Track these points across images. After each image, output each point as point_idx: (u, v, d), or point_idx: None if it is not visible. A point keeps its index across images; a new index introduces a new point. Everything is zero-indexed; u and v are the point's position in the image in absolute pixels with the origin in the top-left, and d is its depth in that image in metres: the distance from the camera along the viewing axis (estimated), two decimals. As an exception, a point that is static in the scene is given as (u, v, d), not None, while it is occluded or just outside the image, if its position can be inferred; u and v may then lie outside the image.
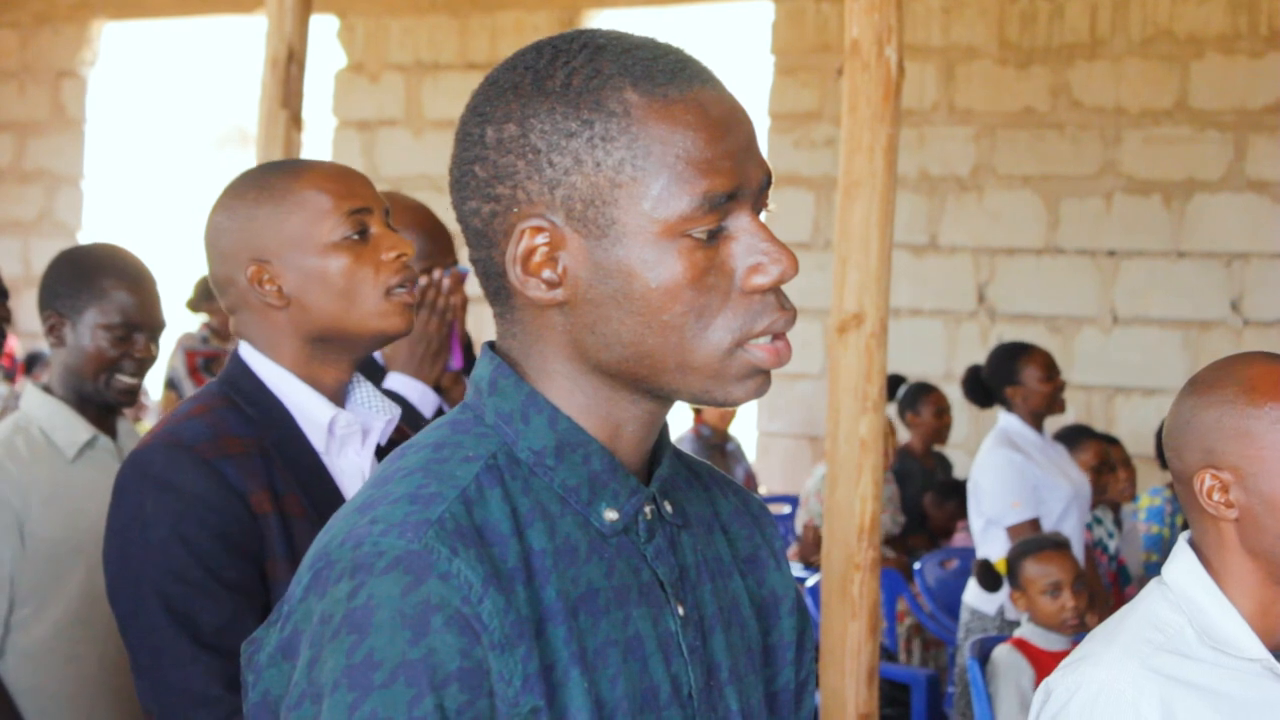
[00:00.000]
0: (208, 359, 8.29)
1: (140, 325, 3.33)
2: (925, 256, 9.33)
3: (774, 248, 1.43)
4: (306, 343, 2.41)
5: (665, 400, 1.48)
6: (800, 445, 9.62)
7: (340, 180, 2.42)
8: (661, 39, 1.47)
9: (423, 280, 3.14)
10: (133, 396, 3.38)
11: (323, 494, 2.36)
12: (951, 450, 8.52)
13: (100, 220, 11.68)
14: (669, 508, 1.52)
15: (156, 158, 13.55)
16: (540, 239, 1.42)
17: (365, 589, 1.33)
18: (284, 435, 2.37)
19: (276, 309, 2.40)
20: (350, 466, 2.42)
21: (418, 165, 10.46)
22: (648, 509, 1.49)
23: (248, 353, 2.43)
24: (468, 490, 1.40)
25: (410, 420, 2.88)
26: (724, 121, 1.43)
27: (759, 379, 1.45)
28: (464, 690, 1.32)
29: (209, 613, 2.24)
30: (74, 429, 3.34)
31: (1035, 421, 6.09)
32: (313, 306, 2.38)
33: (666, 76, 1.42)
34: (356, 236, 2.38)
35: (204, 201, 2.51)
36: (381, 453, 2.48)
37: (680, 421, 9.24)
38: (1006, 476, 5.92)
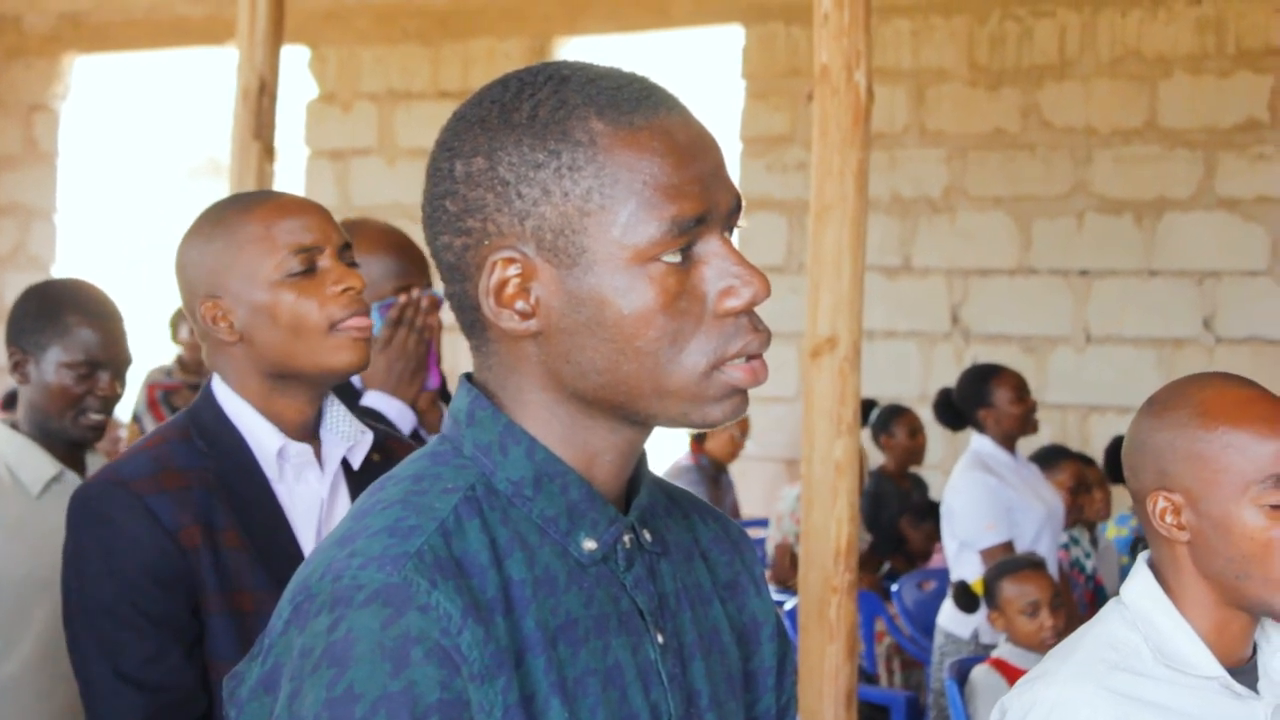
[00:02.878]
0: (168, 392, 8.23)
1: (103, 363, 3.32)
2: (898, 279, 9.35)
3: (745, 270, 1.43)
4: (264, 377, 2.43)
5: (643, 427, 1.48)
6: (777, 469, 9.63)
7: (291, 215, 2.43)
8: (627, 68, 1.48)
9: (401, 298, 3.15)
10: (99, 433, 3.37)
11: (266, 524, 2.39)
12: (927, 471, 8.52)
13: (74, 253, 11.65)
14: (648, 536, 1.52)
15: (130, 190, 13.52)
16: (512, 270, 1.43)
17: (345, 622, 1.33)
18: (234, 466, 2.40)
19: (230, 345, 2.43)
20: (309, 493, 2.44)
21: (391, 194, 10.46)
22: (626, 538, 1.49)
23: (216, 385, 2.47)
24: (446, 522, 1.40)
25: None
26: (690, 147, 1.43)
27: (736, 399, 1.45)
28: (444, 722, 1.33)
29: (133, 647, 2.30)
30: (39, 465, 3.32)
31: (1008, 443, 6.08)
32: (262, 343, 2.41)
33: (632, 104, 1.42)
34: (301, 273, 2.39)
35: (178, 233, 2.53)
36: (356, 476, 2.49)
37: (676, 449, 9.19)
38: (979, 499, 5.90)
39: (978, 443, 6.07)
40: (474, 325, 1.48)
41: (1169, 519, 2.17)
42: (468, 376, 1.52)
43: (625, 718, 1.44)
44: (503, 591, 1.40)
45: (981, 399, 6.08)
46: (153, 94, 12.95)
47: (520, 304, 1.43)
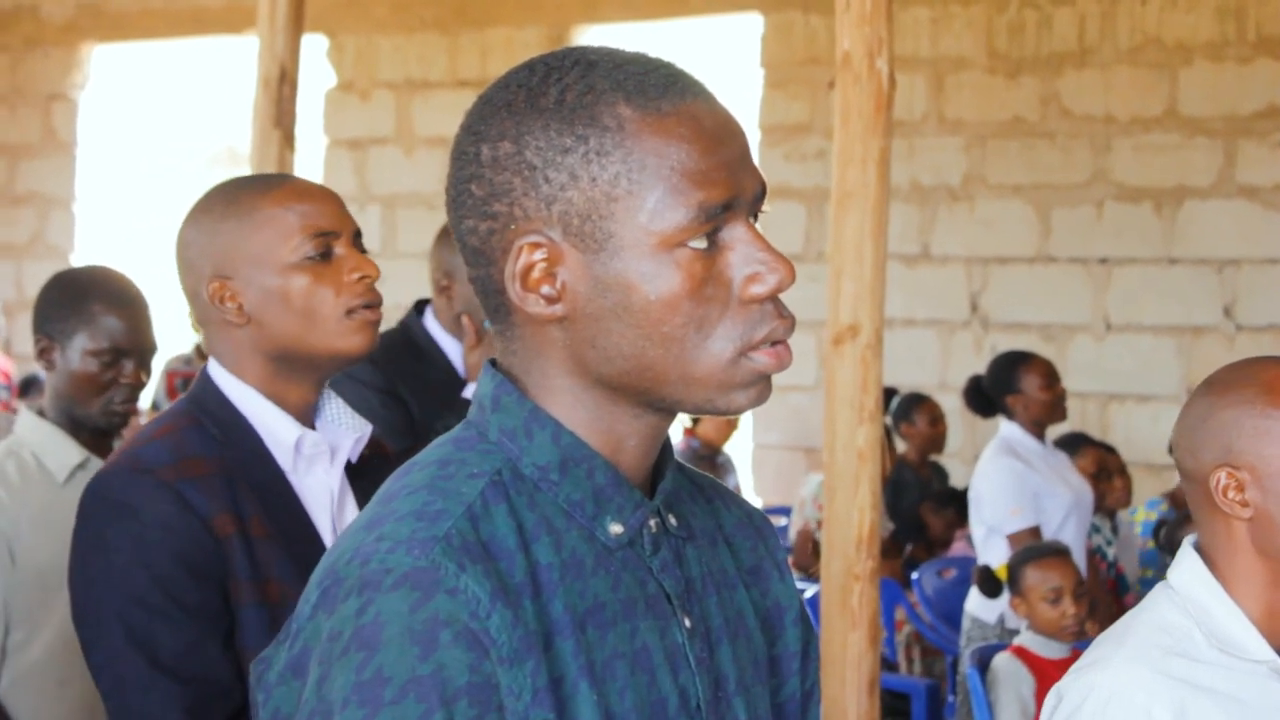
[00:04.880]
0: (186, 379, 8.26)
1: (129, 351, 3.32)
2: (918, 267, 9.34)
3: (771, 257, 1.43)
4: (269, 360, 2.39)
5: (668, 413, 1.48)
6: (795, 457, 9.62)
7: (308, 200, 2.40)
8: (653, 54, 1.48)
9: None
10: (125, 420, 3.38)
11: (287, 513, 2.35)
12: (947, 459, 8.52)
13: (93, 242, 11.67)
14: (673, 520, 1.53)
15: (148, 179, 13.54)
16: (538, 255, 1.43)
17: (373, 606, 1.33)
18: (248, 454, 2.36)
19: (236, 326, 2.39)
20: (318, 485, 2.41)
21: (409, 183, 10.46)
22: (652, 522, 1.49)
23: (215, 370, 2.42)
24: (473, 506, 1.40)
25: None
26: (717, 133, 1.43)
27: (761, 385, 1.45)
28: (473, 705, 1.33)
29: (168, 638, 2.23)
30: (65, 452, 3.33)
31: (1036, 430, 6.11)
32: (272, 325, 2.37)
33: (659, 90, 1.42)
34: (318, 257, 2.37)
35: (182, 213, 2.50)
36: (352, 470, 2.46)
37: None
38: (1006, 484, 5.93)
39: (1006, 429, 6.10)
40: (499, 310, 1.48)
41: (1231, 495, 2.18)
42: (492, 362, 1.52)
43: (654, 701, 1.44)
44: (530, 575, 1.40)
45: (1011, 385, 6.11)
46: (171, 83, 12.96)
47: (546, 289, 1.43)
